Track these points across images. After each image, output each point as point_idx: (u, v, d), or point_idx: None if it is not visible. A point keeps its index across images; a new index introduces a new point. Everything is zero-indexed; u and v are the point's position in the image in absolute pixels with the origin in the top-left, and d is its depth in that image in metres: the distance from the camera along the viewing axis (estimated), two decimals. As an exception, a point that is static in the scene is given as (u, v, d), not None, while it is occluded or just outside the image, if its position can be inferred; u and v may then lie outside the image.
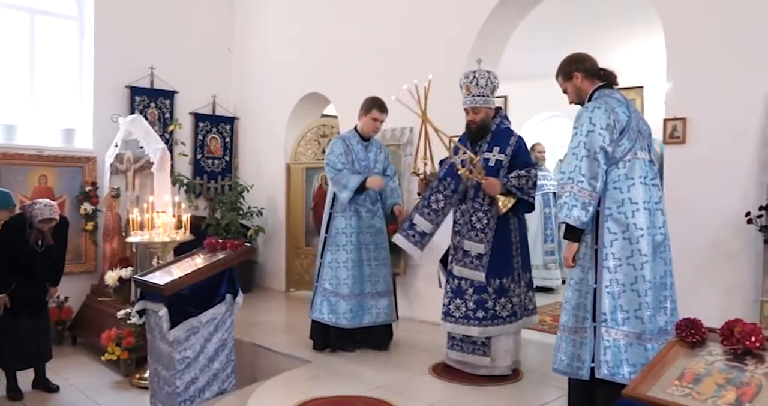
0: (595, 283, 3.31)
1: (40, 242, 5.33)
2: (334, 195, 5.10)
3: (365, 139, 5.24)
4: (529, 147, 8.50)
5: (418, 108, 4.62)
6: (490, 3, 5.87)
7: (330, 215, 5.16)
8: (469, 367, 4.47)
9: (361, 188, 4.97)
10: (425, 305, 6.34)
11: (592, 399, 3.35)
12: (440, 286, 4.72)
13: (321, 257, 5.17)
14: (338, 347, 5.15)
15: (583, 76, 3.59)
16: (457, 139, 4.77)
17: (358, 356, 5.08)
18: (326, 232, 5.15)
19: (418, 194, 4.93)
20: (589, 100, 3.51)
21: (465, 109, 4.58)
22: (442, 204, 4.61)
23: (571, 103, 3.73)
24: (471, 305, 4.38)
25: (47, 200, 5.39)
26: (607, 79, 3.54)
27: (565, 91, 3.73)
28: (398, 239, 4.68)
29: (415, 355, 5.13)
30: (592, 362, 3.25)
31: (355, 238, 5.10)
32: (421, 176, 4.79)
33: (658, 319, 3.27)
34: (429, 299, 6.28)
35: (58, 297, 6.50)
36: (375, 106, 5.14)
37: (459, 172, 4.33)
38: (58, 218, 5.37)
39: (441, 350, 5.14)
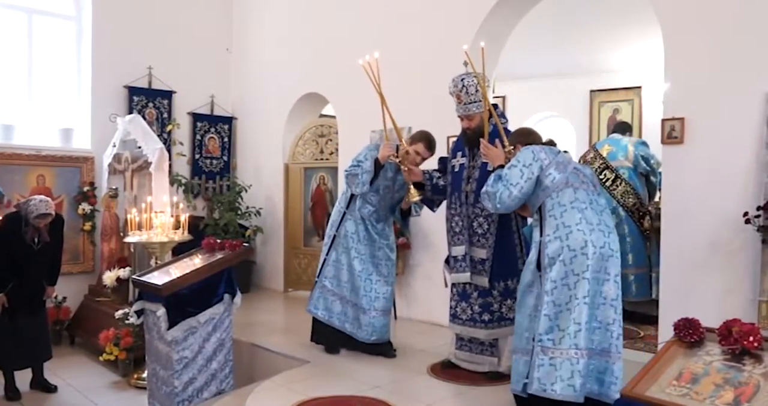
0: (326, 255, 4.09)
1: (36, 240, 5.32)
2: (352, 195, 5.01)
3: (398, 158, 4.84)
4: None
5: (377, 84, 4.79)
6: (489, 3, 5.87)
7: (344, 214, 5.06)
8: (475, 365, 4.48)
9: (377, 171, 4.78)
10: (423, 305, 6.34)
11: None
12: (446, 286, 4.71)
13: (327, 254, 5.12)
14: (331, 347, 5.14)
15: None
16: (454, 139, 4.75)
17: (357, 356, 5.07)
18: (336, 230, 5.08)
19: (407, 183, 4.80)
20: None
21: (459, 116, 4.55)
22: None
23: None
24: (476, 308, 4.39)
25: (42, 197, 5.38)
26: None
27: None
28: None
29: (414, 355, 5.13)
30: (526, 378, 3.43)
31: (363, 248, 5.00)
32: (398, 160, 4.76)
33: (593, 337, 3.32)
34: (427, 299, 6.29)
35: (56, 297, 6.48)
36: (428, 142, 4.91)
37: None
38: (53, 213, 5.34)
39: (439, 350, 5.15)
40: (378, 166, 4.74)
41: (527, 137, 3.97)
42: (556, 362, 3.30)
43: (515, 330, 3.68)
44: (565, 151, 3.98)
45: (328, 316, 5.08)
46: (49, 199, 5.41)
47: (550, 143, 3.91)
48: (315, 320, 5.22)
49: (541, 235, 3.53)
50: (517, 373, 3.58)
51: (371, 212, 4.99)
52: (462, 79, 4.47)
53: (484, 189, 3.74)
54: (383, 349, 5.04)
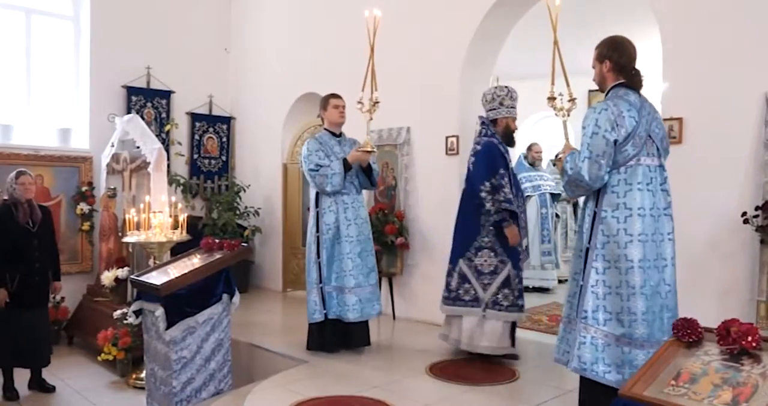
0: (582, 280, 3.34)
1: (30, 223, 5.36)
2: (317, 194, 5.18)
3: (337, 135, 5.34)
4: (525, 148, 8.64)
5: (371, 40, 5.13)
6: (487, 3, 5.87)
7: (317, 213, 5.17)
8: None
9: (347, 169, 5.09)
10: (422, 305, 6.34)
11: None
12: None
13: (318, 257, 5.14)
14: (332, 346, 5.15)
15: (612, 67, 3.48)
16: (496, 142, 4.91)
17: (355, 356, 5.07)
18: (317, 231, 5.15)
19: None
20: (607, 94, 3.48)
21: (505, 119, 4.94)
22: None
23: (594, 80, 3.63)
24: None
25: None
26: (633, 80, 3.45)
27: (593, 67, 3.60)
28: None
29: (412, 355, 5.13)
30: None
31: (346, 230, 5.13)
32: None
33: (648, 327, 3.21)
34: (425, 299, 6.28)
35: (53, 297, 6.47)
36: (330, 96, 5.35)
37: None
38: (29, 171, 5.49)
39: (438, 350, 5.15)
40: (347, 167, 5.08)
41: (620, 55, 3.51)
42: (598, 343, 3.21)
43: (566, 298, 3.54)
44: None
45: (340, 312, 5.10)
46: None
47: (632, 75, 3.48)
48: (312, 327, 5.20)
49: (596, 206, 3.34)
50: (562, 341, 3.50)
51: (348, 188, 5.21)
52: (506, 87, 5.10)
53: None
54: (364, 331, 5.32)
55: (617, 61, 3.46)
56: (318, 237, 5.14)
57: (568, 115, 3.64)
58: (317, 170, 5.04)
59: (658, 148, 3.42)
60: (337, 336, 5.15)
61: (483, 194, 4.61)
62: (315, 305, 5.10)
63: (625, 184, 3.30)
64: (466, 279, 4.78)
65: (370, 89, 4.95)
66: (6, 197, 5.39)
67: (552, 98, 3.56)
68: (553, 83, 3.76)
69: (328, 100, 5.30)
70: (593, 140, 3.26)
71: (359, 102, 4.92)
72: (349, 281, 5.08)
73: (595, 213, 3.36)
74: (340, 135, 5.37)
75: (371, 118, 4.97)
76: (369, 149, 5.00)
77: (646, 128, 3.32)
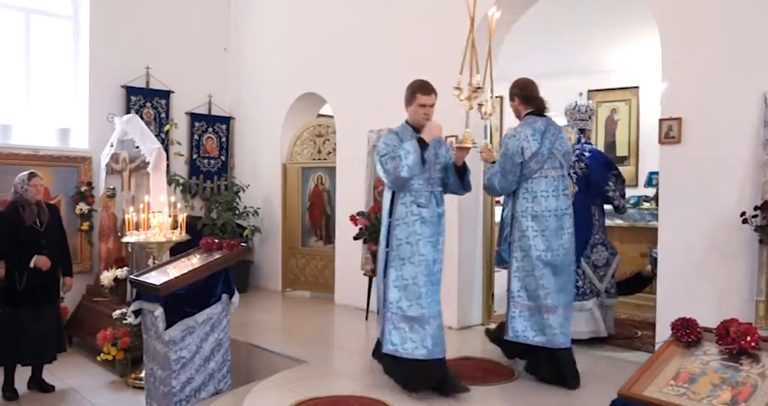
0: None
1: (38, 222, 5.38)
2: (392, 201, 4.23)
3: (419, 131, 4.24)
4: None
5: (489, 42, 4.55)
6: (487, 3, 5.86)
7: (389, 225, 4.20)
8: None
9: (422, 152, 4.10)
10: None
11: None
12: None
13: (384, 277, 4.19)
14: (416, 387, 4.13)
15: (520, 101, 4.50)
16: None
17: (355, 356, 5.07)
18: (387, 246, 4.20)
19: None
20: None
21: (589, 130, 5.80)
22: None
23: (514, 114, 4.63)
24: None
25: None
26: (538, 107, 4.45)
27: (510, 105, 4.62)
28: None
29: (412, 355, 5.12)
30: None
31: (423, 248, 4.10)
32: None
33: (557, 297, 4.25)
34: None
35: (64, 293, 6.46)
36: (419, 89, 4.28)
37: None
38: (38, 173, 5.51)
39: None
40: (423, 145, 4.10)
41: (522, 90, 4.52)
42: (525, 315, 4.31)
43: None
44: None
45: (410, 349, 4.04)
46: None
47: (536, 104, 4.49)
48: (392, 363, 4.25)
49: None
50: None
51: (428, 197, 4.22)
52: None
53: None
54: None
55: (524, 95, 4.48)
56: (387, 253, 4.18)
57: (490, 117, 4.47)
58: (391, 152, 4.09)
59: (560, 162, 4.36)
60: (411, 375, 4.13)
61: (610, 193, 5.38)
62: (389, 337, 4.13)
63: (532, 192, 4.32)
64: (586, 274, 5.32)
65: (470, 71, 4.08)
66: (12, 198, 5.39)
67: (457, 88, 4.12)
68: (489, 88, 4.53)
69: (415, 95, 4.25)
70: (504, 160, 4.33)
71: (457, 87, 4.10)
72: (414, 311, 4.05)
73: (512, 216, 4.40)
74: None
75: (471, 107, 4.10)
76: (469, 145, 4.06)
77: (548, 147, 4.31)
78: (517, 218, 4.34)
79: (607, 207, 5.61)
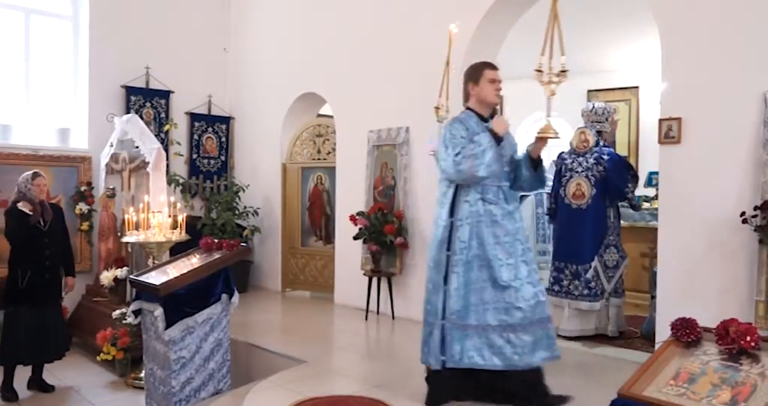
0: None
1: (42, 222, 5.37)
2: (453, 199, 3.80)
3: (485, 119, 3.85)
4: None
5: (448, 54, 4.82)
6: (486, 3, 5.87)
7: (450, 225, 3.79)
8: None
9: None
10: (420, 305, 6.31)
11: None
12: None
13: (445, 284, 3.80)
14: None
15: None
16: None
17: (354, 356, 5.07)
18: (448, 249, 3.79)
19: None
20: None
21: (607, 132, 5.87)
22: None
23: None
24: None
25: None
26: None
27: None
28: None
29: (411, 354, 5.12)
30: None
31: (491, 251, 3.73)
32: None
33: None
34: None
35: (66, 293, 6.46)
36: (485, 65, 3.93)
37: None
38: (41, 173, 5.54)
39: (437, 350, 5.14)
40: (498, 140, 3.74)
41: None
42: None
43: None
44: None
45: (467, 359, 3.75)
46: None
47: None
48: (433, 377, 3.99)
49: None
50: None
51: (496, 192, 3.84)
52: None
53: None
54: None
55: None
56: (449, 257, 3.77)
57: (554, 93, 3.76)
58: (459, 154, 3.65)
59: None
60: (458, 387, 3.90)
61: (630, 195, 5.50)
62: (428, 346, 3.94)
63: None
64: (598, 274, 5.44)
65: (549, 52, 3.76)
66: (16, 197, 5.39)
67: (539, 70, 3.67)
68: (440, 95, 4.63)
69: (482, 71, 3.86)
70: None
71: (538, 70, 3.65)
72: (470, 318, 3.76)
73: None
74: (490, 118, 3.88)
75: (553, 93, 3.66)
76: (551, 135, 3.61)
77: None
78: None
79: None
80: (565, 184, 5.71)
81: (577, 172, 5.64)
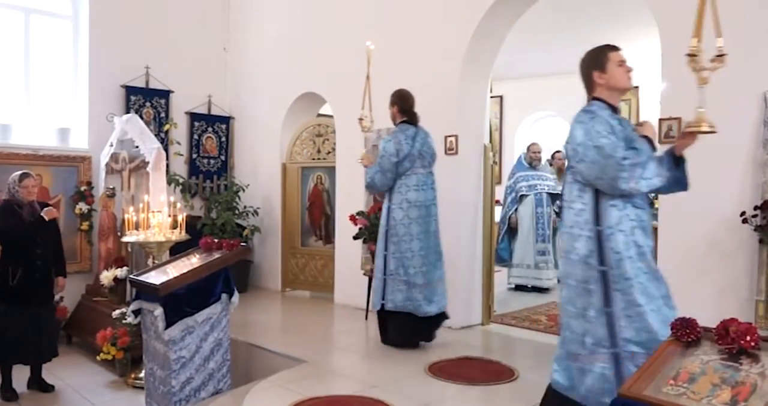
0: (385, 250, 5.24)
1: (33, 219, 5.37)
2: (596, 200, 3.23)
3: (615, 109, 3.39)
4: (525, 147, 8.72)
5: (368, 69, 5.58)
6: (486, 3, 5.87)
7: (598, 234, 3.20)
8: None
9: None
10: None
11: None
12: None
13: (607, 306, 3.17)
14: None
15: (397, 110, 5.41)
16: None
17: (355, 356, 5.07)
18: (601, 263, 3.22)
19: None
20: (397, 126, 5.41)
21: None
22: None
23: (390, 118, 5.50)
24: None
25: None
26: (412, 118, 5.37)
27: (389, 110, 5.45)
28: None
29: (411, 354, 5.13)
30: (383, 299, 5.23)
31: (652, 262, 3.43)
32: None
33: (424, 275, 5.13)
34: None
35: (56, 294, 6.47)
36: (608, 48, 3.47)
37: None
38: (32, 173, 5.51)
39: (437, 349, 5.15)
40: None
41: (403, 102, 5.40)
42: (402, 289, 5.19)
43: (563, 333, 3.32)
44: None
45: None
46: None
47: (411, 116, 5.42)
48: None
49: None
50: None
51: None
52: None
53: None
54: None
55: (401, 106, 5.40)
56: (604, 273, 3.17)
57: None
58: (626, 159, 3.08)
59: (428, 162, 5.31)
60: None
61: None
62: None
63: (405, 186, 5.21)
64: None
65: (702, 34, 3.30)
66: (6, 197, 5.39)
67: (692, 55, 3.28)
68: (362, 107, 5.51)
69: (607, 55, 3.41)
70: (383, 160, 5.17)
71: (690, 54, 3.24)
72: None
73: (388, 207, 5.25)
74: (616, 109, 3.41)
75: (705, 82, 3.30)
76: (706, 129, 3.22)
77: (418, 149, 5.23)
78: (393, 209, 5.24)
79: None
80: None
81: None
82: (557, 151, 8.92)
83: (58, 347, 5.71)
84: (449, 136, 6.12)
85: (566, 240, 3.33)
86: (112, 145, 7.20)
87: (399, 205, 5.21)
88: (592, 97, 3.39)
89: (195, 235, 6.14)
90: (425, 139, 5.33)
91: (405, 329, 5.22)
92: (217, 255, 4.79)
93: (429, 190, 5.29)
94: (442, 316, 5.30)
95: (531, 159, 8.27)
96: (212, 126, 8.97)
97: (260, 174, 8.61)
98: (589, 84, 3.43)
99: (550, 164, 8.68)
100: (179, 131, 8.54)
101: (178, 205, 5.96)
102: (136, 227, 5.62)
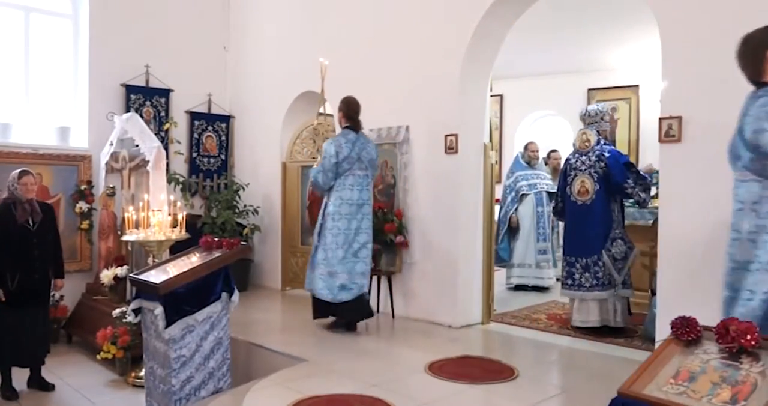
0: (318, 242, 5.81)
1: (30, 222, 5.35)
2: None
3: None
4: (522, 147, 8.73)
5: (322, 84, 6.11)
6: (486, 2, 5.87)
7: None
8: None
9: None
10: (421, 304, 6.35)
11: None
12: None
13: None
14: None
15: (343, 115, 5.94)
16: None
17: (355, 355, 5.08)
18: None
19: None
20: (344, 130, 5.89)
21: (605, 131, 6.03)
22: None
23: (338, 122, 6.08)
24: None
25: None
26: (354, 125, 5.87)
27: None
28: None
29: (411, 353, 5.13)
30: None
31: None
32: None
33: (345, 267, 5.70)
34: (425, 298, 6.29)
35: (53, 295, 6.47)
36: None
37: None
38: (30, 170, 5.48)
39: (436, 348, 5.16)
40: None
41: (348, 108, 5.95)
42: (324, 278, 5.85)
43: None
44: None
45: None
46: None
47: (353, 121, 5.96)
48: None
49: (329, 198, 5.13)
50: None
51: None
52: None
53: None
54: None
55: (347, 113, 5.89)
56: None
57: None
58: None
59: (366, 166, 5.79)
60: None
61: (629, 190, 5.59)
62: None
63: (342, 185, 5.71)
64: (607, 266, 5.64)
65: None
66: (6, 196, 5.39)
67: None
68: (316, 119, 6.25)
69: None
70: (324, 161, 5.69)
71: None
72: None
73: (325, 203, 5.79)
74: None
75: None
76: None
77: (357, 153, 5.72)
78: (328, 205, 5.77)
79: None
80: (571, 182, 5.91)
81: (580, 170, 5.84)
82: (553, 151, 8.92)
83: (59, 346, 5.71)
84: (449, 135, 6.12)
85: (748, 248, 2.95)
86: (112, 144, 7.20)
87: (333, 201, 5.74)
88: (762, 83, 3.02)
89: (195, 234, 6.14)
90: (365, 145, 5.82)
91: (326, 311, 5.93)
92: (217, 254, 4.79)
93: (364, 191, 5.80)
94: (359, 303, 5.82)
95: (529, 158, 8.27)
96: (212, 125, 8.97)
97: (260, 173, 8.61)
98: (760, 66, 3.06)
99: (546, 163, 8.68)
100: (179, 130, 8.54)
101: (178, 204, 5.96)
102: (136, 225, 5.62)
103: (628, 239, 5.80)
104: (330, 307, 5.85)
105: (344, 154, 5.68)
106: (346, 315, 5.84)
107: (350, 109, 5.90)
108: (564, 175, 6.06)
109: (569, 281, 5.86)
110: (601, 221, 5.70)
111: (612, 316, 5.70)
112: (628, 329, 5.78)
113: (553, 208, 6.57)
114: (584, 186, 5.79)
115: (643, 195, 5.66)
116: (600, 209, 5.71)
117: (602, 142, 5.86)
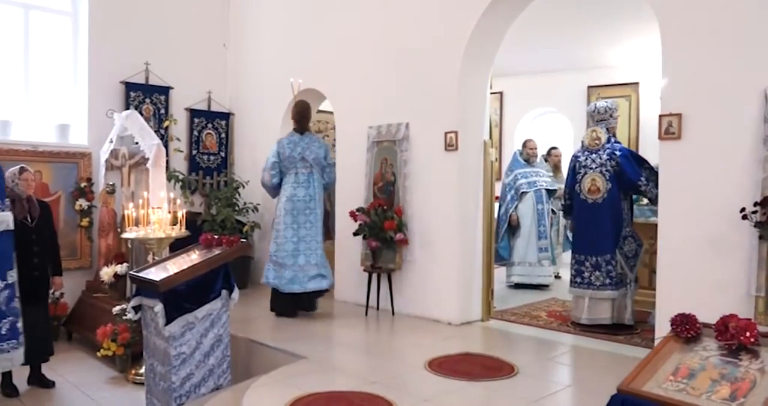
0: (274, 236, 6.25)
1: (29, 218, 5.35)
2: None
3: None
4: (520, 144, 8.73)
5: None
6: (484, 2, 5.86)
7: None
8: None
9: None
10: (420, 301, 6.35)
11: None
12: None
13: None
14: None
15: (293, 116, 6.46)
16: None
17: (355, 352, 5.08)
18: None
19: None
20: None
21: (614, 128, 6.04)
22: None
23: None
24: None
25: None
26: (301, 126, 6.41)
27: None
28: None
29: (411, 350, 5.14)
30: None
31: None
32: None
33: (293, 259, 6.20)
34: (424, 295, 6.29)
35: (53, 293, 6.46)
36: None
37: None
38: (28, 167, 5.48)
39: (436, 345, 5.16)
40: None
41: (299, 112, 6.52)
42: (271, 267, 6.40)
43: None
44: None
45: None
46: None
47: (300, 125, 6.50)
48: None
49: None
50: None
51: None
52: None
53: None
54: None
55: (297, 115, 6.43)
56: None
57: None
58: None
59: (311, 164, 6.29)
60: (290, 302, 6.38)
61: (643, 188, 5.61)
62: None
63: (287, 183, 6.26)
64: (620, 264, 5.68)
65: None
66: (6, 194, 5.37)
67: None
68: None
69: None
70: (266, 161, 6.33)
71: None
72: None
73: (277, 200, 6.31)
74: None
75: None
76: None
77: (299, 153, 6.25)
78: (278, 201, 6.33)
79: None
80: (580, 180, 5.89)
81: (591, 168, 5.82)
82: (553, 148, 8.92)
83: (59, 343, 5.72)
84: (449, 132, 6.11)
85: None
86: (111, 142, 7.20)
87: (282, 198, 6.28)
88: None
89: (195, 231, 6.13)
90: (309, 145, 6.32)
91: (276, 301, 6.39)
92: (217, 251, 4.79)
93: (310, 188, 6.28)
94: (313, 294, 6.34)
95: (528, 155, 8.26)
96: (212, 122, 8.96)
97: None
98: None
99: (546, 161, 8.67)
100: (179, 128, 8.53)
101: (178, 201, 5.96)
102: (136, 223, 5.62)
103: (637, 237, 5.81)
104: (282, 296, 6.29)
105: (285, 155, 6.25)
106: (287, 305, 6.31)
107: (297, 113, 6.43)
108: (573, 172, 6.03)
109: (578, 279, 5.86)
110: (612, 220, 5.70)
111: (623, 314, 5.72)
112: (639, 325, 5.78)
113: (562, 205, 6.56)
114: (595, 184, 5.77)
115: (655, 191, 5.65)
116: (611, 207, 5.70)
117: (612, 140, 5.86)
